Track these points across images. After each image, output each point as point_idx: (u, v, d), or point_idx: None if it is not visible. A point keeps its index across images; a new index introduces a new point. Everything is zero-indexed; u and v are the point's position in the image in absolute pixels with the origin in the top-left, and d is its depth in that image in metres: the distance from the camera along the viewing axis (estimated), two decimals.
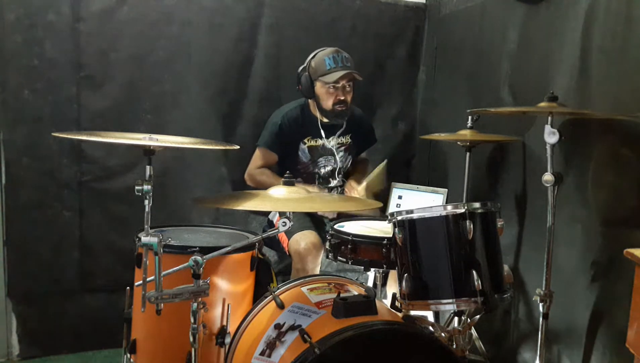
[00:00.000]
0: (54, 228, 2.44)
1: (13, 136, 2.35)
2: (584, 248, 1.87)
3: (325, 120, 2.52)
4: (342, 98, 2.44)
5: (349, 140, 2.61)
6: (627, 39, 1.70)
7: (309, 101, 2.53)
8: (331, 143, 2.56)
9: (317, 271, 2.23)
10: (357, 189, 2.43)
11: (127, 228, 2.45)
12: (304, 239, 2.20)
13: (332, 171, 2.59)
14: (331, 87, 2.42)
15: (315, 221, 2.38)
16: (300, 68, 2.49)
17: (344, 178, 2.62)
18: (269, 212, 2.56)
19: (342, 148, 2.59)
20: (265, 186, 2.41)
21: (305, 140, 2.53)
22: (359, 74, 2.45)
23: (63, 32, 2.37)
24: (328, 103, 2.45)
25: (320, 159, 2.56)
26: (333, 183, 2.59)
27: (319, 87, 2.45)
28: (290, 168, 2.50)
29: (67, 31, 2.37)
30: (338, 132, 2.57)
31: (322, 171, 2.58)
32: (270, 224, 2.55)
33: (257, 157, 2.55)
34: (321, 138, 2.54)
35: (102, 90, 2.45)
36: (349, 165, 2.65)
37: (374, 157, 2.79)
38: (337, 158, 2.58)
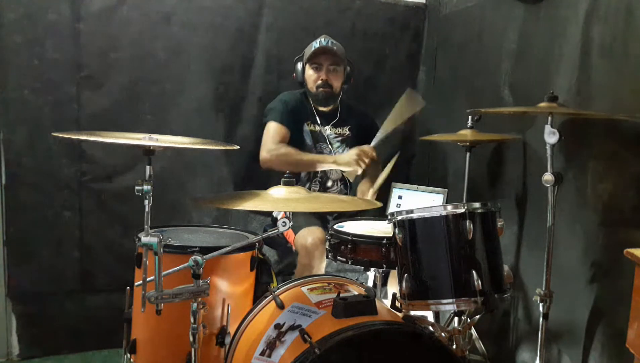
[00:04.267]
0: (54, 228, 2.45)
1: (13, 136, 2.35)
2: (584, 248, 1.87)
3: (320, 108, 2.56)
4: (325, 78, 2.47)
5: (348, 132, 2.61)
6: (627, 39, 1.70)
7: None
8: (327, 131, 2.57)
9: (323, 267, 2.23)
10: (368, 195, 2.45)
11: (127, 228, 2.45)
12: (311, 234, 2.20)
13: None
14: (314, 67, 2.48)
15: (320, 218, 2.38)
16: (297, 57, 2.56)
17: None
18: (268, 212, 2.56)
19: (339, 138, 2.59)
20: (289, 161, 2.38)
21: (306, 124, 2.56)
22: (341, 54, 2.49)
23: (63, 32, 2.37)
24: (312, 85, 2.50)
25: (321, 144, 2.57)
26: (333, 175, 2.58)
27: (307, 70, 2.52)
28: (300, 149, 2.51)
29: (67, 31, 2.37)
30: (333, 122, 2.58)
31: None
32: (274, 221, 2.55)
33: (273, 132, 2.47)
34: (318, 124, 2.57)
35: (102, 90, 2.45)
36: None
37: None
38: (333, 147, 2.57)
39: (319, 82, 2.48)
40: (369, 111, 2.79)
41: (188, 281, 1.42)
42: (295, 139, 2.52)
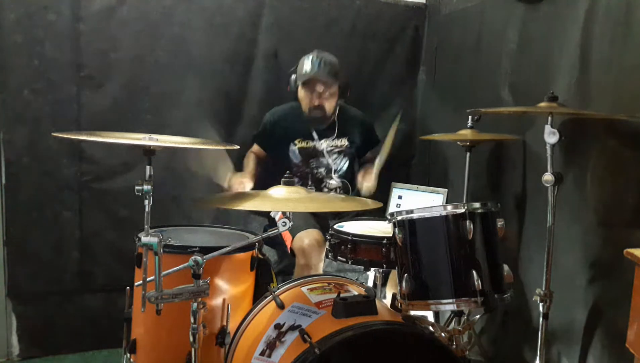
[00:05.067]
0: (54, 228, 2.44)
1: (13, 136, 2.35)
2: (583, 248, 1.87)
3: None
4: (317, 104, 2.44)
5: (346, 143, 2.59)
6: (627, 39, 1.70)
7: None
8: (323, 144, 2.56)
9: (321, 267, 2.23)
10: (372, 174, 2.40)
11: (127, 228, 2.45)
12: (308, 236, 2.21)
13: (327, 172, 2.58)
14: (306, 89, 2.45)
15: (318, 220, 2.38)
16: (291, 69, 2.53)
17: (345, 179, 2.61)
18: (269, 212, 2.56)
19: (336, 150, 2.58)
20: (244, 164, 2.52)
21: (296, 141, 2.54)
22: (334, 73, 2.43)
23: (63, 32, 2.37)
24: (305, 107, 2.49)
25: (312, 161, 2.56)
26: (332, 184, 2.58)
27: (299, 89, 2.49)
28: (283, 168, 2.52)
29: (67, 31, 2.37)
30: (329, 136, 2.56)
31: (315, 172, 2.57)
32: (272, 222, 2.55)
33: (255, 144, 2.64)
34: (312, 139, 2.55)
35: (102, 90, 2.45)
36: (345, 168, 2.62)
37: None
38: (330, 160, 2.57)
39: (311, 106, 2.46)
40: (366, 116, 2.75)
41: (188, 281, 1.42)
42: (281, 158, 2.56)
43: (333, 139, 2.57)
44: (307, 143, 2.55)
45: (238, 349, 1.61)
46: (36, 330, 2.47)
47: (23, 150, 2.37)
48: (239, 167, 2.60)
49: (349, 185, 2.61)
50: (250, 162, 2.56)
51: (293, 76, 2.51)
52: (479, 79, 2.50)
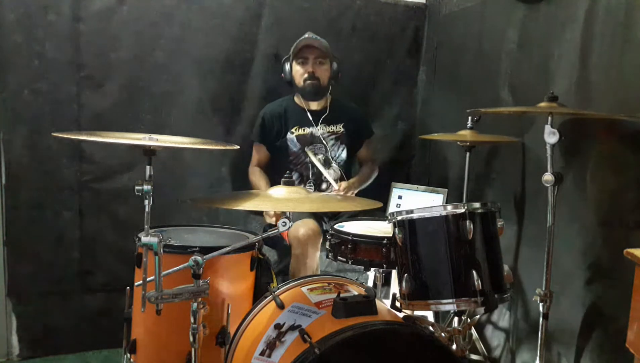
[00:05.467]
0: (54, 228, 2.44)
1: (13, 136, 2.35)
2: (583, 248, 1.87)
3: (312, 107, 2.58)
4: (311, 70, 2.49)
5: (341, 129, 2.62)
6: (627, 39, 1.70)
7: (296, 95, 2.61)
8: (320, 130, 2.58)
9: (317, 257, 2.24)
10: (340, 188, 2.49)
11: (127, 228, 2.45)
12: (304, 226, 2.22)
13: (325, 159, 2.58)
14: (300, 61, 2.51)
15: (315, 216, 2.38)
16: (284, 58, 2.58)
17: (343, 172, 2.62)
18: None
19: (333, 136, 2.60)
20: (254, 187, 2.55)
21: (293, 129, 2.57)
22: (326, 48, 2.50)
23: (63, 32, 2.37)
24: (300, 80, 2.52)
25: (310, 147, 2.57)
26: (330, 174, 2.58)
27: (294, 67, 2.54)
28: (282, 159, 2.55)
29: (67, 31, 2.37)
30: (324, 117, 2.58)
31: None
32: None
33: (254, 152, 2.64)
34: (309, 125, 2.57)
35: (102, 90, 2.45)
36: (344, 156, 2.63)
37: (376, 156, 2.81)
38: (327, 146, 2.58)
39: (306, 75, 2.50)
40: (359, 109, 2.77)
41: (188, 281, 1.42)
42: (280, 149, 2.57)
43: (328, 124, 2.60)
44: (303, 130, 2.57)
45: (238, 349, 1.61)
46: (36, 330, 2.47)
47: (23, 150, 2.37)
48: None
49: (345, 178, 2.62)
50: (260, 179, 2.57)
51: (287, 64, 2.55)
52: (479, 79, 2.50)
